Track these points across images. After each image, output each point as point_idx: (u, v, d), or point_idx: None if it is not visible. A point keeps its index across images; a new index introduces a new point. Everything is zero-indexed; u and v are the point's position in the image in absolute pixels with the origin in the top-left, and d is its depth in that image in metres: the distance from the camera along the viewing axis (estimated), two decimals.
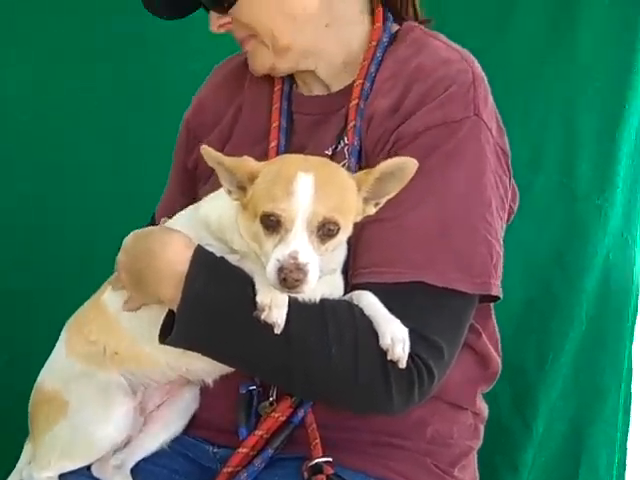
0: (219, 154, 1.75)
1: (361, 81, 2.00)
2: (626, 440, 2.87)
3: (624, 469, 2.86)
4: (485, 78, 1.97)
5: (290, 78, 2.14)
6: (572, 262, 2.80)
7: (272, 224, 1.66)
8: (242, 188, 1.75)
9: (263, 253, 1.70)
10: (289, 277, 1.62)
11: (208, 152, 1.74)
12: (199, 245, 1.80)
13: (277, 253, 1.65)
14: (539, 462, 2.79)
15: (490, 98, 1.97)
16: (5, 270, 3.08)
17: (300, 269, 1.62)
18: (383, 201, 1.78)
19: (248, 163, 1.76)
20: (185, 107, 2.28)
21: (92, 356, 1.98)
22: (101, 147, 3.09)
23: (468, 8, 2.89)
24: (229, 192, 1.77)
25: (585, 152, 2.84)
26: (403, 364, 1.75)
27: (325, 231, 1.67)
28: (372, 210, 1.79)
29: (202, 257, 1.79)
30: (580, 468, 2.81)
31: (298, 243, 1.65)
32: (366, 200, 1.77)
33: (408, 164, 1.73)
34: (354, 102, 1.99)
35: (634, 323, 2.89)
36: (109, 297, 1.99)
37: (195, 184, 2.23)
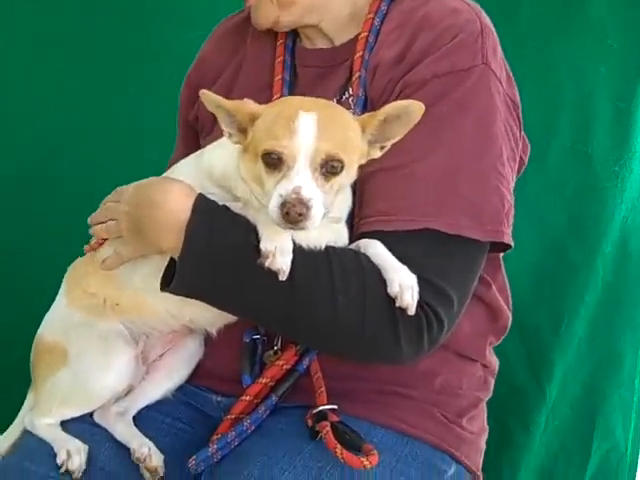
0: (219, 97, 1.73)
1: (366, 34, 1.98)
2: None
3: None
4: (493, 29, 1.94)
5: (293, 32, 2.12)
6: (588, 227, 2.75)
7: (274, 162, 1.64)
8: (243, 131, 1.73)
9: (265, 192, 1.68)
10: (292, 211, 1.59)
11: (207, 96, 1.72)
12: (200, 193, 1.78)
13: (280, 189, 1.62)
14: (552, 425, 2.75)
15: (499, 49, 1.94)
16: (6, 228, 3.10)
17: (303, 203, 1.59)
18: (388, 144, 1.76)
19: (249, 105, 1.75)
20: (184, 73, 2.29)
21: (92, 307, 1.97)
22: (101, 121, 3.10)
23: None
24: (229, 135, 1.75)
25: (601, 118, 2.79)
26: (412, 311, 1.73)
27: (329, 168, 1.65)
28: (377, 153, 1.76)
29: (203, 205, 1.77)
30: (595, 432, 2.76)
31: (301, 178, 1.62)
32: (371, 143, 1.75)
33: (414, 106, 1.70)
34: (359, 54, 1.97)
35: None
36: (107, 252, 1.96)
37: (199, 139, 2.22)
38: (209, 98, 1.72)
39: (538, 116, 2.77)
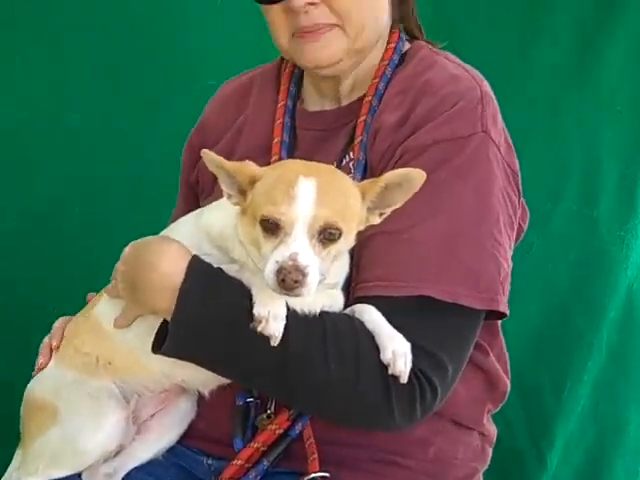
0: (220, 158, 1.73)
1: (370, 98, 1.98)
2: None
3: None
4: (494, 97, 1.95)
5: (295, 94, 2.13)
6: (593, 292, 2.73)
7: (272, 227, 1.64)
8: (242, 192, 1.73)
9: (261, 256, 1.67)
10: (288, 278, 1.59)
11: (209, 156, 1.72)
12: (195, 255, 1.78)
13: (276, 255, 1.62)
14: None
15: (499, 116, 1.94)
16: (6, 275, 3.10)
17: (299, 270, 1.59)
18: (388, 211, 1.76)
19: (249, 167, 1.74)
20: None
21: (84, 365, 1.96)
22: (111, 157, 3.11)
23: (491, 33, 2.87)
24: (229, 196, 1.75)
25: (607, 182, 2.80)
26: (405, 379, 1.71)
27: (326, 235, 1.64)
28: (376, 220, 1.76)
29: (197, 267, 1.75)
30: None
31: (298, 245, 1.62)
32: (370, 210, 1.74)
33: (415, 174, 1.70)
34: (362, 118, 1.97)
35: None
36: (102, 310, 1.96)
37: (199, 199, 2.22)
38: (210, 158, 1.73)
39: (545, 179, 2.79)
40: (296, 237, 1.62)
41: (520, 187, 1.98)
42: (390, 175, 1.71)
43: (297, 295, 1.62)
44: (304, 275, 1.59)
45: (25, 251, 3.11)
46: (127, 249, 1.86)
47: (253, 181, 1.71)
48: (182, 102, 2.91)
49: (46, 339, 2.05)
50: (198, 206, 2.14)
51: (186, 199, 2.29)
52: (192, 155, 2.24)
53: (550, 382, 2.72)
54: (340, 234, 1.66)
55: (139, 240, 1.87)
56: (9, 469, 2.00)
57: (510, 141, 1.97)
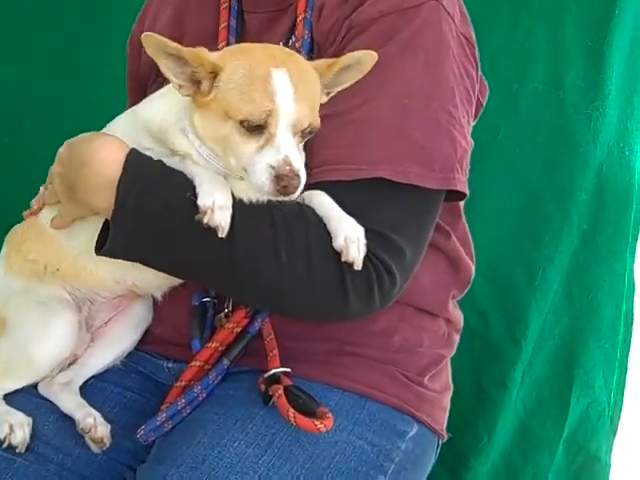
0: (171, 42, 1.59)
1: None
2: (627, 359, 2.73)
3: (623, 388, 2.73)
4: None
5: None
6: (561, 174, 2.65)
7: (253, 127, 1.57)
8: (195, 82, 1.62)
9: (237, 155, 1.60)
10: (290, 185, 1.55)
11: (153, 39, 1.58)
12: (133, 148, 1.68)
13: (268, 158, 1.56)
14: (528, 380, 2.66)
15: None
16: None
17: (297, 175, 1.56)
18: (335, 90, 1.69)
19: (207, 55, 1.62)
20: None
21: (33, 273, 1.88)
22: None
23: None
24: (179, 87, 1.63)
25: (573, 60, 2.69)
26: (359, 265, 1.64)
27: (306, 132, 1.61)
28: (324, 99, 1.69)
29: (135, 160, 1.66)
30: (573, 386, 2.67)
31: (287, 148, 1.57)
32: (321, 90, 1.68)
33: (366, 57, 1.65)
34: None
35: (636, 238, 2.73)
36: (48, 215, 1.88)
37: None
38: (156, 41, 1.58)
39: (509, 60, 2.69)
40: (283, 138, 1.57)
41: (477, 58, 1.88)
42: (345, 58, 1.65)
43: (290, 198, 1.59)
44: (300, 180, 1.56)
45: None
46: (61, 149, 1.77)
47: (214, 72, 1.60)
48: None
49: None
50: None
51: (135, 93, 2.16)
52: (135, 43, 2.11)
53: (522, 269, 2.65)
54: (317, 128, 1.62)
55: (73, 138, 1.77)
56: None
57: (464, 8, 1.87)
